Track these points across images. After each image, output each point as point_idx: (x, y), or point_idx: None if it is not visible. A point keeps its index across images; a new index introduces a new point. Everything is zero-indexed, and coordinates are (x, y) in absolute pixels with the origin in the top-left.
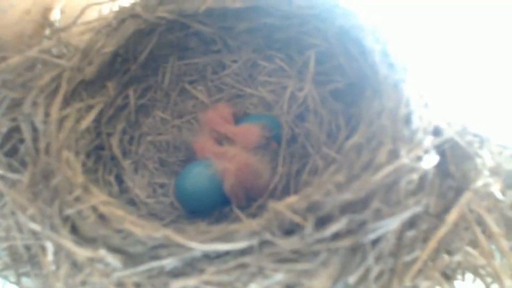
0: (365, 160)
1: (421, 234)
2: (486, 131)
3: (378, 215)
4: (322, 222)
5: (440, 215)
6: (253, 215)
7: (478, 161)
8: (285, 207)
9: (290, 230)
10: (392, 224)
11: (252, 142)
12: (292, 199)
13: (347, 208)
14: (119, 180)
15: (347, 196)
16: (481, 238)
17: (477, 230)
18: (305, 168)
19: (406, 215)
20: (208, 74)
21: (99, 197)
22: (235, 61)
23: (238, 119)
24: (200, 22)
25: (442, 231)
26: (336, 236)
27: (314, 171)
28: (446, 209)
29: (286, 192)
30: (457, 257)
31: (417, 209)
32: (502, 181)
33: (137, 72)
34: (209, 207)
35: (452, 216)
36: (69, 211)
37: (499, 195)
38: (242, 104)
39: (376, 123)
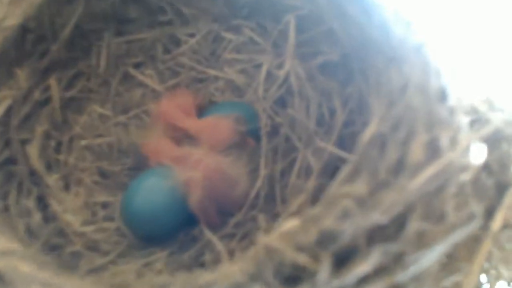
0: (393, 158)
1: (462, 251)
2: None
3: (421, 240)
4: (341, 259)
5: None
6: (231, 236)
7: None
8: (283, 241)
9: (293, 277)
10: (440, 250)
11: (222, 140)
12: (291, 225)
13: (376, 234)
14: (43, 204)
15: (376, 217)
16: None
17: None
18: (293, 167)
19: (460, 235)
20: (158, 53)
21: None
22: (192, 35)
23: (202, 110)
24: None
25: (486, 245)
26: (364, 279)
27: (305, 171)
28: (488, 214)
29: (270, 200)
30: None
31: (474, 224)
32: None
33: (60, 54)
34: (170, 231)
35: (496, 223)
36: None
37: None
38: (205, 90)
39: (401, 103)
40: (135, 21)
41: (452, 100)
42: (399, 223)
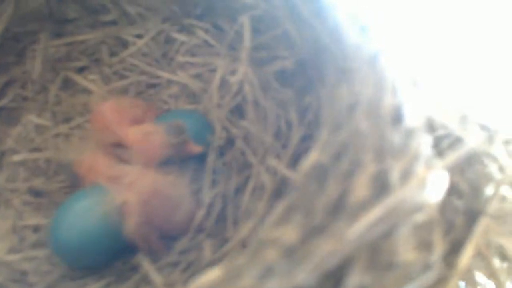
0: (333, 195)
1: None
2: (492, 121)
3: None
4: None
5: (448, 258)
6: (174, 265)
7: (490, 164)
8: None
9: None
10: None
11: (153, 155)
12: (212, 277)
13: None
14: None
15: (303, 276)
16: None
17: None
18: (247, 184)
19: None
20: (103, 56)
21: None
22: (140, 36)
23: (154, 119)
24: None
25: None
26: None
27: (259, 189)
28: (455, 247)
29: (222, 220)
30: None
31: (428, 276)
32: None
33: None
34: (105, 259)
35: (464, 261)
36: None
37: None
38: (157, 96)
39: (348, 126)
40: (74, 21)
41: (409, 121)
42: (335, 279)
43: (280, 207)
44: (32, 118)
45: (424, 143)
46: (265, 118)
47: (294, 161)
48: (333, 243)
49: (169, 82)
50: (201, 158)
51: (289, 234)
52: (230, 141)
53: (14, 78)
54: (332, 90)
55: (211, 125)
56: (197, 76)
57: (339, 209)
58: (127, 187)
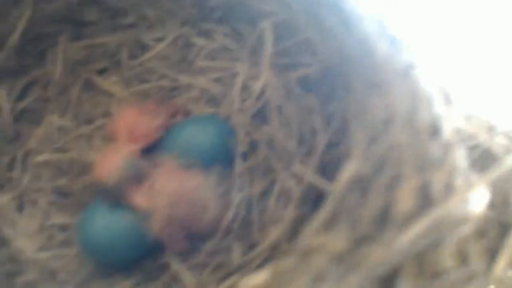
0: (377, 207)
1: None
2: None
3: None
4: None
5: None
6: (203, 266)
7: None
8: None
9: None
10: None
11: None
12: (259, 280)
13: None
14: None
15: (358, 280)
16: None
17: None
18: (272, 189)
19: None
20: (123, 58)
21: None
22: (159, 40)
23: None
24: None
25: None
26: None
27: (285, 196)
28: (489, 258)
29: (247, 225)
30: None
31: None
32: None
33: (9, 62)
34: (134, 258)
35: (498, 270)
36: None
37: None
38: (177, 100)
39: (385, 138)
40: (94, 24)
41: (446, 134)
42: (386, 285)
43: (322, 215)
44: (54, 119)
45: (461, 156)
46: (288, 124)
47: (321, 169)
48: (383, 251)
49: (189, 86)
50: (224, 163)
51: (337, 241)
52: (253, 147)
53: (36, 80)
54: (363, 102)
55: (234, 130)
56: (217, 80)
57: (385, 219)
58: (154, 191)
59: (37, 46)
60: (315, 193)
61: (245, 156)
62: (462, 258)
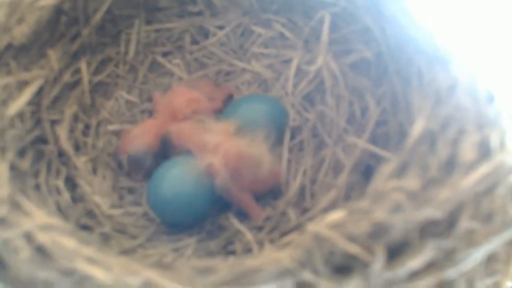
0: (444, 156)
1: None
2: None
3: (471, 238)
4: (393, 252)
5: None
6: (259, 229)
7: None
8: (333, 231)
9: (343, 267)
10: (488, 249)
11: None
12: (338, 215)
13: (428, 229)
14: (71, 184)
15: (429, 212)
16: None
17: None
18: (321, 163)
19: (506, 236)
20: (186, 44)
21: (35, 218)
22: (221, 27)
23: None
24: None
25: None
26: (415, 273)
27: (333, 168)
28: None
29: (300, 193)
30: None
31: None
32: None
33: (91, 39)
34: (198, 218)
35: None
36: None
37: None
38: (231, 83)
39: (450, 101)
40: (164, 10)
41: (497, 103)
42: (450, 220)
43: (393, 162)
44: (123, 94)
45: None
46: (338, 104)
47: (371, 143)
48: (449, 192)
49: (243, 70)
50: (276, 140)
51: (410, 183)
52: (304, 124)
53: (109, 57)
54: (420, 76)
55: (285, 110)
56: (270, 66)
57: (450, 167)
58: (212, 151)
59: (114, 27)
60: (365, 165)
61: (295, 132)
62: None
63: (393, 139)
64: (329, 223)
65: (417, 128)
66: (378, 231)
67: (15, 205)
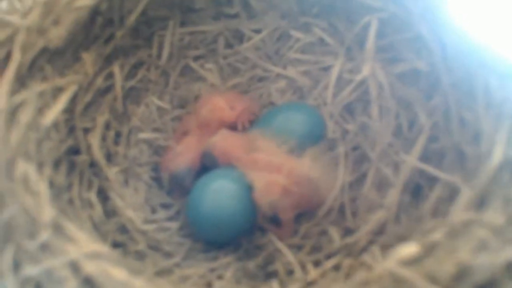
0: None
1: None
2: None
3: None
4: None
5: None
6: (298, 247)
7: None
8: (412, 269)
9: None
10: None
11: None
12: (410, 251)
13: None
14: (102, 197)
15: None
16: None
17: None
18: (363, 178)
19: None
20: (219, 47)
21: (82, 244)
22: (257, 31)
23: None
24: None
25: None
26: None
27: (377, 184)
28: None
29: (339, 212)
30: None
31: None
32: None
33: (124, 41)
34: (235, 236)
35: None
36: (31, 270)
37: None
38: (264, 90)
39: None
40: (200, 11)
41: None
42: None
43: (467, 194)
44: (154, 100)
45: None
46: (382, 116)
47: (423, 159)
48: None
49: (278, 76)
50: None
51: (494, 216)
52: (342, 137)
53: (141, 61)
54: (493, 92)
55: (323, 120)
56: (306, 73)
57: None
58: (272, 170)
59: (148, 29)
60: (415, 185)
61: (333, 144)
62: None
63: (448, 158)
64: (404, 259)
65: (497, 155)
66: (463, 272)
67: (58, 229)
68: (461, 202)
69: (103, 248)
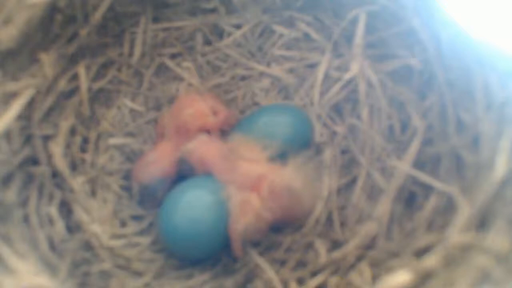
0: None
1: None
2: None
3: None
4: None
5: None
6: (281, 262)
7: None
8: None
9: None
10: None
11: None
12: (403, 280)
13: None
14: (66, 210)
15: None
16: None
17: None
18: (352, 185)
19: None
20: (197, 44)
21: (22, 277)
22: (238, 26)
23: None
24: None
25: None
26: None
27: (368, 192)
28: None
29: (328, 221)
30: None
31: None
32: None
33: (90, 40)
34: (212, 251)
35: None
36: None
37: None
38: (247, 89)
39: None
40: (174, 6)
41: None
42: None
43: (466, 211)
44: (127, 102)
45: None
46: (372, 117)
47: (418, 164)
48: None
49: (261, 75)
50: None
51: (498, 240)
52: (332, 138)
53: (111, 60)
54: (492, 92)
55: (310, 121)
56: (291, 71)
57: None
58: (252, 182)
59: (117, 26)
60: (408, 193)
61: (321, 148)
62: None
63: (444, 164)
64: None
65: (501, 166)
66: None
67: None
68: (459, 222)
69: (46, 280)
